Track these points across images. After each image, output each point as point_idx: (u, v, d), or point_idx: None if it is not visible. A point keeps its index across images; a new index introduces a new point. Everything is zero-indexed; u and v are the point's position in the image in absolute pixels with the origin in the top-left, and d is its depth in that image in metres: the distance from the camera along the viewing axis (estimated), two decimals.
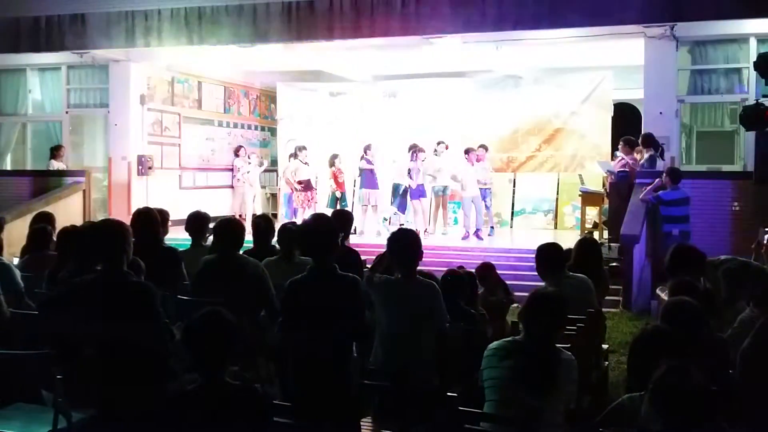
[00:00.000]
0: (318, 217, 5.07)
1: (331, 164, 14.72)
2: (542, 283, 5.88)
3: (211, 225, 7.16)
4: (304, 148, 15.03)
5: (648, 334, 3.82)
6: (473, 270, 6.73)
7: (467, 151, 13.75)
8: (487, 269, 7.11)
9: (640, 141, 12.08)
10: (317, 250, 4.53)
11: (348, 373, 4.35)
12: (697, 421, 3.05)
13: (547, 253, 6.10)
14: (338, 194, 14.63)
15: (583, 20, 11.57)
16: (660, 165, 11.67)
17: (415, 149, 13.98)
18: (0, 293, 5.09)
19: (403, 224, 13.54)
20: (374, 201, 14.36)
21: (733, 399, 3.99)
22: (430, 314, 4.77)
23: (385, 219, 14.67)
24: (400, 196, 14.40)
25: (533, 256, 6.21)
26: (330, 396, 4.25)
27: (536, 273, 6.21)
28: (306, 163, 14.78)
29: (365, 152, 14.47)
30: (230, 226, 5.76)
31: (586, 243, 7.08)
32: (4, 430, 4.09)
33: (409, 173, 13.98)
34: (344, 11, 12.47)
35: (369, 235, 13.70)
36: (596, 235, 12.58)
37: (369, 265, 6.39)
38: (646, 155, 11.84)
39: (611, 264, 10.49)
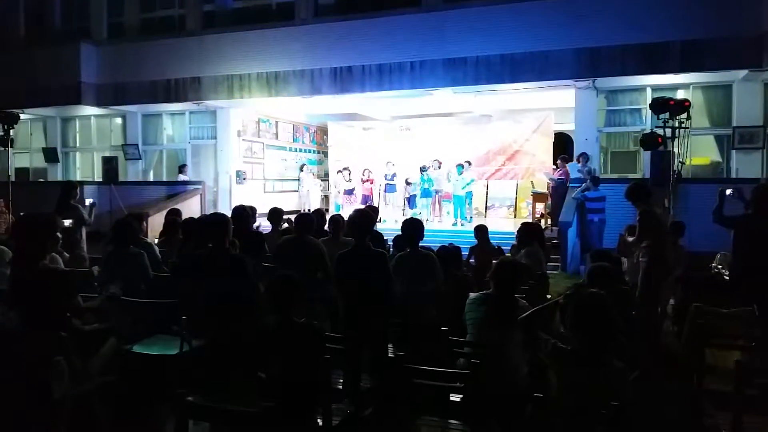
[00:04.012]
0: (361, 212, 4.96)
1: (363, 177, 14.81)
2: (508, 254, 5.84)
3: (285, 217, 7.19)
4: (347, 168, 15.17)
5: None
6: (459, 246, 6.67)
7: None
8: (481, 229, 7.40)
9: (576, 157, 11.96)
10: (359, 233, 4.51)
11: (382, 312, 4.33)
12: (604, 333, 2.80)
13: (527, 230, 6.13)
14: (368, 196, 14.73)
15: (532, 76, 11.52)
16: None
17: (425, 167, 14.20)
18: (148, 265, 5.12)
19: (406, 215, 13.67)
20: (391, 200, 14.43)
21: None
22: (431, 272, 4.76)
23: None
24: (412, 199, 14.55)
25: (499, 235, 6.17)
26: (370, 328, 4.23)
27: (503, 246, 6.18)
28: (349, 180, 15.00)
29: (387, 175, 14.80)
30: (304, 217, 5.70)
31: (527, 224, 6.78)
32: (149, 352, 4.13)
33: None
34: (372, 73, 12.52)
35: (389, 222, 13.67)
36: (542, 222, 12.46)
37: (390, 244, 6.36)
38: (579, 166, 11.76)
39: (552, 241, 10.41)
